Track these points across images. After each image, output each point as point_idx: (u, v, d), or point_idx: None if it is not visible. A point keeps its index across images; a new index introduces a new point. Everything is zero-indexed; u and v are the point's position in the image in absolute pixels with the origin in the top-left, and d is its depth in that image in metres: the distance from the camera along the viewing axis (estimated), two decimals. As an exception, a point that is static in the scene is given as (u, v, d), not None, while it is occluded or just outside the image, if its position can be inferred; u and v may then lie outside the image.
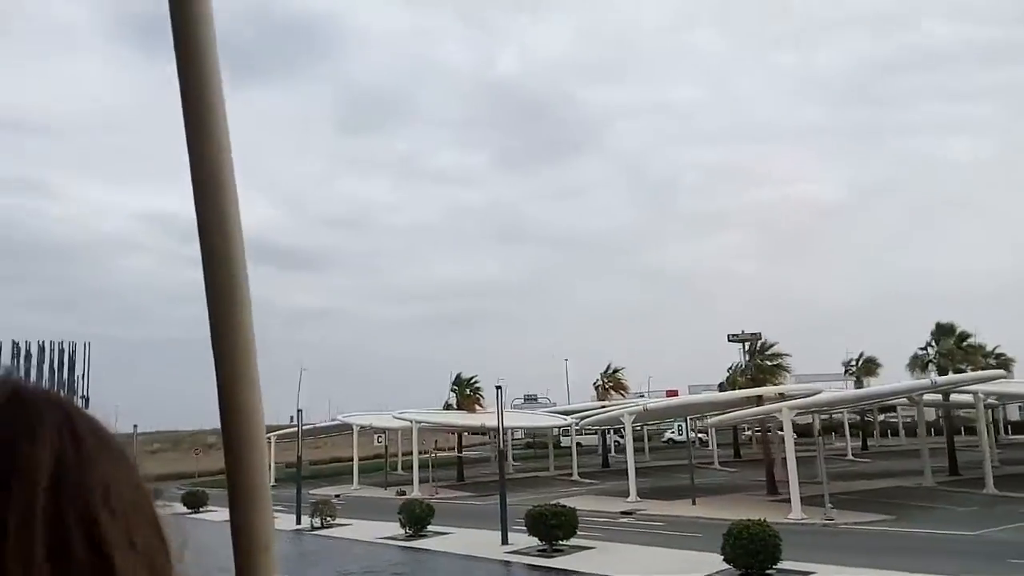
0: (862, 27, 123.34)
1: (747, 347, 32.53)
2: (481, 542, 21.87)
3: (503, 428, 23.27)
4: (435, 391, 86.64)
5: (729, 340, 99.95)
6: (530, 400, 77.05)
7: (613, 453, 55.15)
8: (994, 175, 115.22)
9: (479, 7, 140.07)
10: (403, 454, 51.30)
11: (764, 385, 30.95)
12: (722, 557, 16.15)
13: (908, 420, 61.74)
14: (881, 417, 61.57)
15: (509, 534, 21.42)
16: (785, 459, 26.82)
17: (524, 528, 20.67)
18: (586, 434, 55.94)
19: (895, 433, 61.88)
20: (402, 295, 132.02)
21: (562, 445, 57.12)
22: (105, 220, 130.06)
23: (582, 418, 42.87)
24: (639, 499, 29.79)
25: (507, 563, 19.39)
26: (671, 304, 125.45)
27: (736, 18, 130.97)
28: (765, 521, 16.58)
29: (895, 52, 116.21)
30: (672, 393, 67.66)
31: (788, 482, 29.00)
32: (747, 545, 15.71)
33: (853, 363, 55.00)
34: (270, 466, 48.65)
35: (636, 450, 59.06)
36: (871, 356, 54.66)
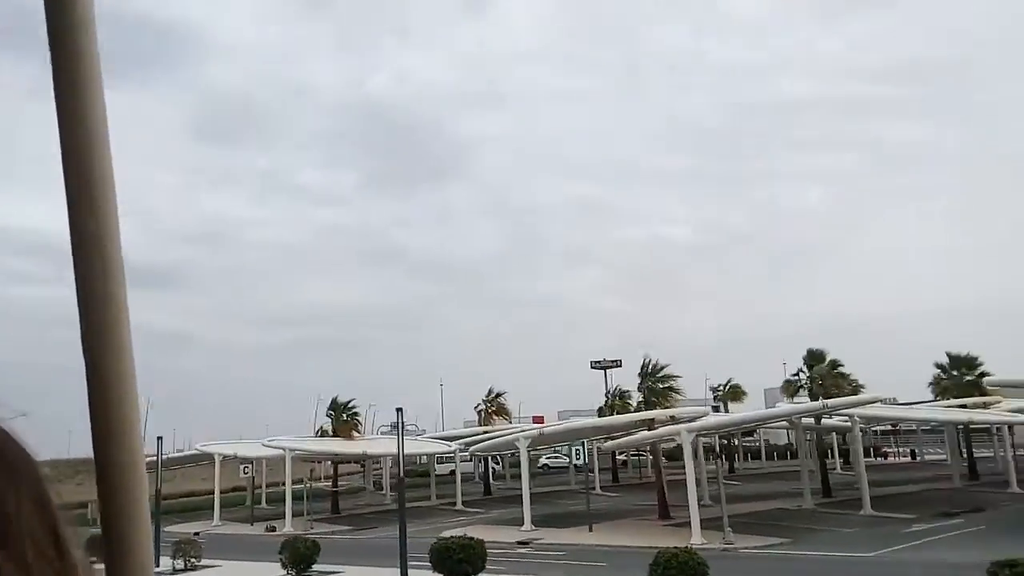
0: (723, 77, 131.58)
1: (640, 370, 32.50)
2: (377, 581, 19.93)
3: (403, 454, 21.46)
4: (296, 419, 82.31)
5: (592, 367, 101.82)
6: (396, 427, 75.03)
7: (492, 480, 54.00)
8: (843, 222, 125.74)
9: (350, 29, 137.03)
10: (267, 486, 47.68)
11: (655, 408, 30.95)
12: (648, 588, 15.32)
13: (759, 444, 65.15)
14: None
15: (408, 571, 19.61)
16: (679, 483, 26.69)
17: (423, 563, 19.11)
18: (462, 462, 54.67)
19: (755, 456, 64.69)
20: (265, 318, 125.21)
21: (436, 473, 55.53)
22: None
23: (467, 444, 41.38)
24: (534, 527, 28.71)
25: (410, 604, 17.63)
26: (536, 333, 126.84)
27: (604, 61, 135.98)
28: (691, 549, 15.99)
29: (754, 104, 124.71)
30: (538, 419, 67.85)
31: (680, 506, 28.96)
32: (676, 574, 14.96)
33: (720, 388, 57.17)
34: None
35: (513, 476, 58.65)
36: (736, 383, 57.11)
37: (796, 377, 35.69)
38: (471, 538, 19.07)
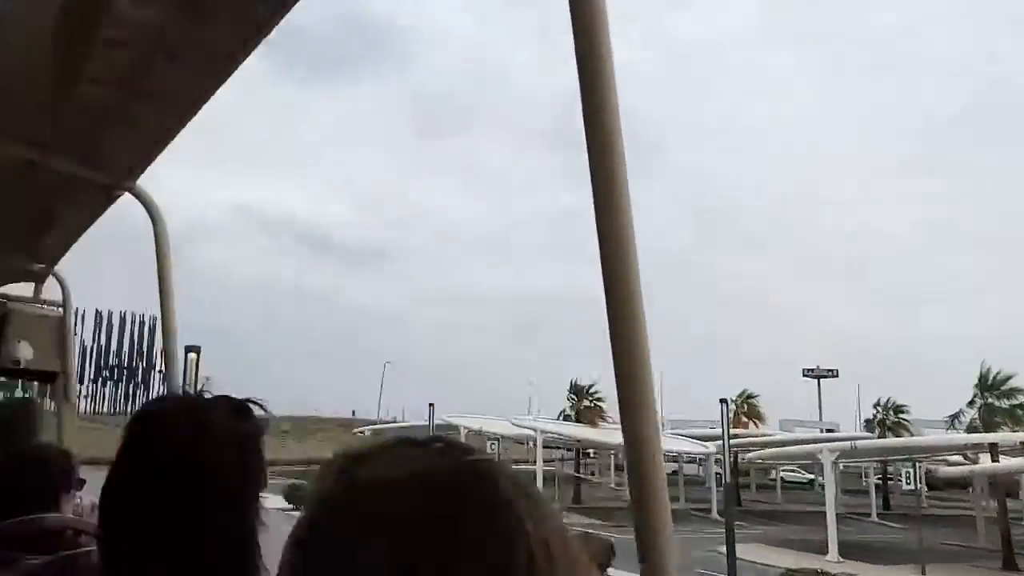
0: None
1: (977, 382, 26.36)
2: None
3: (728, 450, 18.01)
4: (496, 396, 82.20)
5: (804, 375, 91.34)
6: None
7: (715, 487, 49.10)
8: None
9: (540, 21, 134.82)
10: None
11: (995, 430, 24.83)
12: None
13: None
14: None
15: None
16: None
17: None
18: (686, 462, 50.56)
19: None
20: (452, 298, 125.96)
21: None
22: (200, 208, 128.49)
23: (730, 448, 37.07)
24: (841, 559, 23.94)
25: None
26: (732, 334, 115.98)
27: (818, 41, 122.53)
28: None
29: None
30: (743, 426, 61.78)
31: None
32: None
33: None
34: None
35: (743, 486, 53.08)
36: None
37: None
38: (825, 572, 15.16)
